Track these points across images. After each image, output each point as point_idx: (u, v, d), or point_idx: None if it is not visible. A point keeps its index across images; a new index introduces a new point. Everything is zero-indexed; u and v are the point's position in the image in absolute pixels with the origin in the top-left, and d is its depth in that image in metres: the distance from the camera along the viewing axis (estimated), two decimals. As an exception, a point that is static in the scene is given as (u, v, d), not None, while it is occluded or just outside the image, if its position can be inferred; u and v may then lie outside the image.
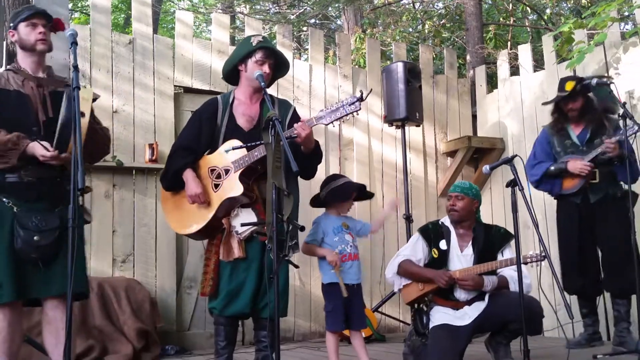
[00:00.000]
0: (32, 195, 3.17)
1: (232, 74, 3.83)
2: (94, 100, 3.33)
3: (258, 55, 3.65)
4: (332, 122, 3.54)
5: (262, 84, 3.43)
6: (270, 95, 3.81)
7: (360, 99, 3.47)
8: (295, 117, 3.83)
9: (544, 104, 5.10)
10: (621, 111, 4.24)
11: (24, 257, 3.09)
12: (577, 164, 4.61)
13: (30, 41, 3.27)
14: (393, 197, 3.95)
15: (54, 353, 3.18)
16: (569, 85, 4.71)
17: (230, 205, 3.60)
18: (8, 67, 3.42)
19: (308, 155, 3.63)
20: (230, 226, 3.58)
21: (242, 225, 3.53)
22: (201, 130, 3.71)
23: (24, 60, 3.33)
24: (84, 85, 3.22)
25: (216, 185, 3.64)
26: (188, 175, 3.63)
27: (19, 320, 3.23)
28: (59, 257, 3.12)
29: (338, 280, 3.77)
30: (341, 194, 3.88)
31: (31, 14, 3.29)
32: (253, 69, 3.64)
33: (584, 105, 4.70)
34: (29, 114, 3.22)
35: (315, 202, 4.01)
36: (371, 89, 4.10)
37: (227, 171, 3.62)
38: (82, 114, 3.03)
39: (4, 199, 3.15)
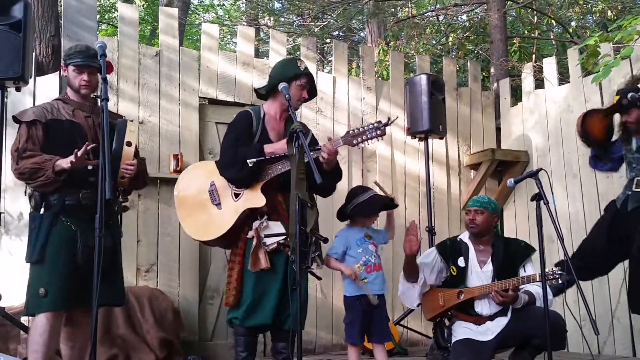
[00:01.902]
0: (88, 217, 3.30)
1: (272, 89, 3.92)
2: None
3: (303, 80, 3.84)
4: (357, 145, 3.71)
5: (287, 96, 3.50)
6: (290, 116, 3.92)
7: (386, 124, 3.68)
8: (312, 142, 3.94)
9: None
10: None
11: (85, 272, 3.28)
12: None
13: (75, 85, 3.58)
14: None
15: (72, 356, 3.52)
16: (615, 99, 4.65)
17: (250, 215, 3.64)
18: (58, 97, 3.72)
19: (328, 173, 3.67)
20: (259, 237, 3.63)
21: (266, 236, 3.56)
22: (245, 137, 3.80)
23: (72, 94, 3.64)
24: (131, 121, 3.67)
25: (236, 195, 3.69)
26: (267, 147, 3.70)
27: (59, 328, 3.47)
28: (114, 270, 3.52)
29: (358, 293, 3.77)
30: (368, 208, 3.88)
31: (80, 64, 3.54)
32: (297, 91, 3.81)
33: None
34: (82, 141, 3.43)
35: (341, 215, 4.01)
36: (397, 117, 4.29)
37: None
38: (129, 143, 3.45)
39: (63, 219, 3.44)
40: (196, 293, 5.42)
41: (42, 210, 3.47)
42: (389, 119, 3.71)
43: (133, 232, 5.26)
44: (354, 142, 3.68)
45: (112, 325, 4.72)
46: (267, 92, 3.97)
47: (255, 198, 3.64)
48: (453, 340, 3.86)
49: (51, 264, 3.38)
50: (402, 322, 5.88)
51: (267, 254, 3.61)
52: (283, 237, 3.59)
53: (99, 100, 3.64)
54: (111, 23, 14.63)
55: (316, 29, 12.03)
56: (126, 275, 5.10)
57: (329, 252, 3.85)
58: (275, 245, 3.61)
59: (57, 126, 3.50)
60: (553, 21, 11.20)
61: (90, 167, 3.41)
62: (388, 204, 4.08)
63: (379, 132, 3.66)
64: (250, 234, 3.65)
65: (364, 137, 3.67)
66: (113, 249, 3.50)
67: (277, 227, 3.65)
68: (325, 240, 3.46)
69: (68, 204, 3.46)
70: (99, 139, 3.42)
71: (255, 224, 3.66)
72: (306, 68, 3.90)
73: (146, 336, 4.77)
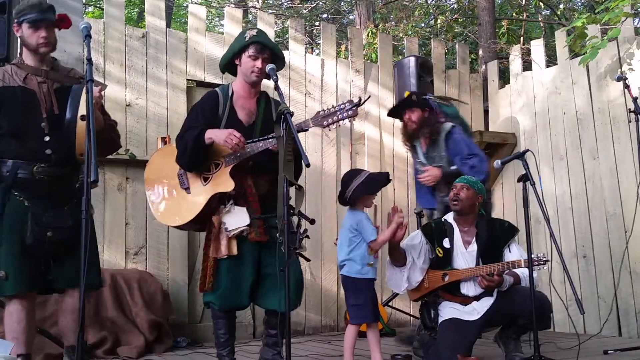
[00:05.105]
0: (43, 192, 3.20)
1: (229, 68, 3.79)
2: (102, 90, 3.35)
3: (251, 50, 3.60)
4: (328, 126, 3.49)
5: (274, 77, 3.41)
6: (266, 94, 3.82)
7: (358, 104, 3.45)
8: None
9: (389, 115, 5.10)
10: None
11: (34, 252, 3.15)
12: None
13: (32, 44, 3.26)
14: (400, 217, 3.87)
15: (70, 337, 3.27)
16: (407, 93, 4.90)
17: (221, 200, 3.57)
18: (13, 61, 3.42)
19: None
20: (221, 223, 3.54)
21: (253, 219, 3.51)
22: (204, 120, 3.63)
23: (28, 57, 3.32)
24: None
25: (205, 179, 3.59)
26: (209, 132, 3.51)
27: (34, 310, 3.31)
28: (77, 251, 3.06)
29: (367, 276, 3.78)
30: (369, 187, 3.85)
31: (36, 19, 3.22)
32: (247, 63, 3.61)
33: (421, 118, 4.69)
34: (36, 110, 3.23)
35: (343, 200, 3.97)
36: (369, 96, 4.15)
37: (217, 165, 3.58)
38: (84, 117, 3.05)
39: (16, 194, 3.19)
40: (185, 275, 5.43)
41: None
42: (360, 98, 3.55)
43: (121, 214, 5.25)
44: (324, 123, 3.46)
45: (101, 308, 4.72)
46: (223, 71, 3.82)
47: (224, 182, 3.51)
48: (440, 320, 3.89)
49: (8, 245, 3.13)
50: (390, 303, 5.92)
51: (232, 240, 3.51)
52: (246, 224, 3.50)
53: (58, 62, 3.45)
54: (98, 5, 14.48)
55: (305, 11, 11.98)
56: (115, 258, 5.14)
57: (371, 241, 3.78)
58: (238, 232, 3.50)
59: (8, 94, 3.21)
60: (541, 3, 11.20)
61: (47, 139, 3.21)
62: (385, 180, 4.06)
63: (350, 112, 3.43)
64: (214, 219, 3.55)
65: (335, 118, 3.44)
66: (72, 229, 3.16)
67: (241, 212, 3.53)
68: (312, 222, 3.44)
69: (20, 177, 3.19)
70: (54, 108, 3.25)
71: (221, 208, 3.56)
72: (253, 36, 3.60)
73: (135, 319, 4.78)
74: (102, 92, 3.29)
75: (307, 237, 3.52)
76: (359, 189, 3.81)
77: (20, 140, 3.23)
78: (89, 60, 2.79)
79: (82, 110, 3.11)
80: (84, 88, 3.09)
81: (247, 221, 3.51)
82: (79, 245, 2.94)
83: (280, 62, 3.76)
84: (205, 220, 3.61)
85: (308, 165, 3.00)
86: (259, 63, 3.59)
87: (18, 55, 3.57)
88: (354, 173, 3.96)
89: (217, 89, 3.81)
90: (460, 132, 4.63)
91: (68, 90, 3.23)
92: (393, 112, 4.98)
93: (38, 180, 3.21)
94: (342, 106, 3.47)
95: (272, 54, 3.67)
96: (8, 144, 3.24)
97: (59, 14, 3.31)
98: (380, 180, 3.95)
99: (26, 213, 3.16)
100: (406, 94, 4.89)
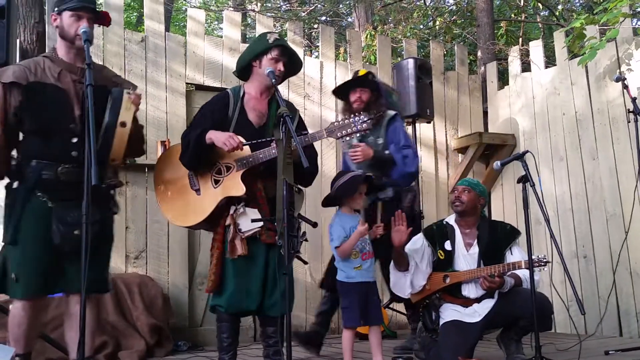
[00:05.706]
0: (67, 195, 3.09)
1: (244, 70, 3.80)
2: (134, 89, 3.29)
3: (274, 53, 3.62)
4: (341, 138, 3.55)
5: (273, 80, 3.43)
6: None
7: (373, 117, 3.49)
8: (300, 124, 3.82)
9: (334, 92, 4.95)
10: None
11: (61, 252, 3.05)
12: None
13: (71, 34, 3.14)
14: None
15: (74, 347, 3.18)
16: (362, 72, 4.76)
17: (230, 202, 3.57)
18: (45, 53, 3.28)
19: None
20: (235, 224, 3.54)
21: (253, 220, 3.52)
22: (212, 120, 3.64)
23: (62, 49, 3.21)
24: (128, 92, 3.15)
25: (216, 181, 3.61)
26: (210, 133, 3.52)
27: (39, 315, 3.24)
28: (98, 250, 3.06)
29: (355, 280, 3.76)
30: (349, 188, 3.86)
31: (78, 6, 3.12)
32: (267, 65, 3.60)
33: (369, 99, 4.58)
34: (66, 111, 3.12)
35: (327, 201, 3.98)
36: (384, 109, 4.15)
37: (228, 168, 3.59)
38: (124, 124, 3.05)
39: (39, 194, 3.08)
40: (186, 279, 5.43)
41: (15, 184, 3.12)
42: (375, 112, 3.59)
43: (121, 219, 5.24)
44: (338, 134, 3.50)
45: (102, 312, 4.71)
46: (239, 73, 3.83)
47: (234, 186, 3.52)
48: (441, 323, 3.89)
49: (23, 247, 3.04)
50: (391, 305, 5.91)
51: (244, 240, 3.51)
52: (259, 225, 3.51)
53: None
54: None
55: (303, 14, 11.99)
56: (115, 262, 5.13)
57: (336, 244, 3.75)
58: (251, 232, 3.51)
59: (39, 90, 3.09)
60: (540, 4, 11.21)
61: (75, 140, 3.09)
62: (372, 183, 4.04)
63: (365, 124, 3.46)
64: (227, 221, 3.55)
65: (349, 130, 3.48)
66: (99, 224, 3.10)
67: (254, 214, 3.54)
68: (315, 225, 3.43)
69: (44, 178, 3.08)
70: (84, 108, 3.04)
71: (232, 209, 3.56)
72: (277, 40, 3.65)
73: (136, 323, 4.77)
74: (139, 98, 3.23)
75: (306, 240, 3.52)
76: (338, 189, 3.82)
77: (45, 140, 3.12)
78: (89, 65, 2.78)
79: (122, 116, 3.06)
80: (124, 92, 3.10)
81: (261, 222, 3.52)
82: (103, 242, 3.15)
83: (297, 67, 3.84)
84: (215, 220, 3.62)
85: (307, 167, 3.00)
86: (280, 66, 3.63)
87: (13, 56, 3.50)
88: (340, 174, 3.98)
89: (228, 89, 3.83)
90: (401, 121, 4.65)
91: (101, 91, 3.04)
92: (341, 90, 4.80)
93: (62, 181, 3.10)
94: (356, 118, 3.50)
95: (290, 58, 3.72)
96: (32, 143, 3.15)
97: (101, 11, 3.24)
98: (360, 181, 3.90)
99: (49, 214, 3.06)
100: (362, 72, 4.77)
